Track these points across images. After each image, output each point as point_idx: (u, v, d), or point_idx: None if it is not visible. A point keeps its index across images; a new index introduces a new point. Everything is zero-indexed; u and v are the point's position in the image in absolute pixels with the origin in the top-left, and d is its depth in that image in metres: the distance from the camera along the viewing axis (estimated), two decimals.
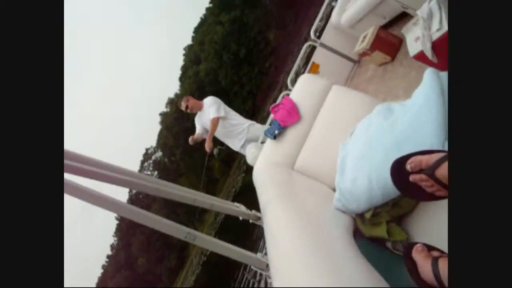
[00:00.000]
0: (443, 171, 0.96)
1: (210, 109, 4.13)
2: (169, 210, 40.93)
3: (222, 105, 4.22)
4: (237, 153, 4.41)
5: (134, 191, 46.75)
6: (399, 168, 1.08)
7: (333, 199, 1.64)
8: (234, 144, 4.30)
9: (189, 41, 56.73)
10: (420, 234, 1.33)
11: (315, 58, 5.07)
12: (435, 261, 0.95)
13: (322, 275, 0.82)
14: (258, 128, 4.19)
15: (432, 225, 1.27)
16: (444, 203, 1.07)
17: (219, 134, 4.25)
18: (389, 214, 1.42)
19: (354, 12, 4.43)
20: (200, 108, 4.31)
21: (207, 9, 50.78)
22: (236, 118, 4.32)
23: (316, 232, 1.14)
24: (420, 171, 1.01)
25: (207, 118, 4.19)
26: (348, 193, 1.50)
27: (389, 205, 1.42)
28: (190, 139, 4.36)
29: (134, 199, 51.40)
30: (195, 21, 55.46)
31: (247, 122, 4.30)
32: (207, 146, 4.09)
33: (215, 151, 4.24)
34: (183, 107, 4.30)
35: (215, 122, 4.09)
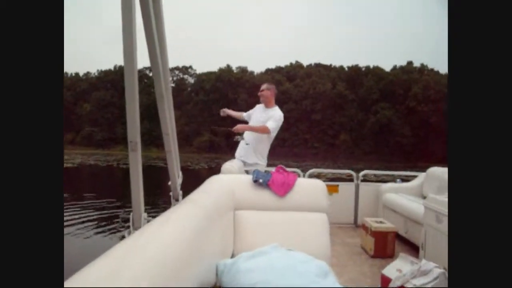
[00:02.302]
0: None
1: (273, 121, 4.18)
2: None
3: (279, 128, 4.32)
4: None
5: None
6: None
7: (224, 257, 1.68)
8: (251, 154, 4.32)
9: None
10: None
11: (342, 186, 5.17)
12: None
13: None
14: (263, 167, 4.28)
15: None
16: None
17: (254, 136, 4.27)
18: None
19: (396, 205, 4.53)
20: (268, 105, 4.37)
21: None
22: (267, 148, 4.41)
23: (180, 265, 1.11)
24: None
25: (264, 118, 4.26)
26: (236, 270, 1.55)
27: None
28: (225, 110, 4.54)
29: None
30: None
31: (264, 161, 4.39)
32: (240, 129, 4.16)
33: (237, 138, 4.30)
34: (263, 87, 4.35)
35: (265, 131, 4.15)
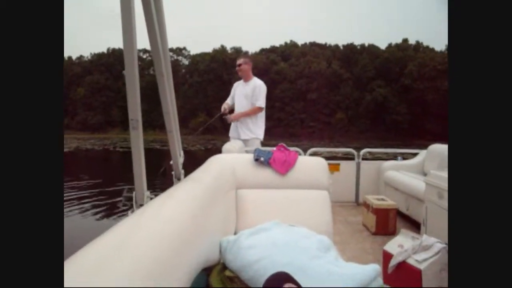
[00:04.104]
0: None
1: (260, 96, 4.20)
2: None
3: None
4: None
5: None
6: (276, 280, 1.12)
7: (228, 235, 1.67)
8: (244, 130, 4.34)
9: None
10: None
11: (343, 164, 5.16)
12: None
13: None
14: (258, 141, 4.32)
15: None
16: None
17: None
18: None
19: (397, 182, 4.53)
20: (247, 79, 4.34)
21: None
22: (260, 121, 4.38)
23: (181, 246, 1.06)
24: None
25: (248, 92, 4.25)
26: (238, 247, 1.54)
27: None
28: (223, 108, 4.45)
29: None
30: None
31: (261, 134, 4.37)
32: (236, 118, 4.24)
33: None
34: (239, 62, 4.33)
35: (258, 111, 4.21)
